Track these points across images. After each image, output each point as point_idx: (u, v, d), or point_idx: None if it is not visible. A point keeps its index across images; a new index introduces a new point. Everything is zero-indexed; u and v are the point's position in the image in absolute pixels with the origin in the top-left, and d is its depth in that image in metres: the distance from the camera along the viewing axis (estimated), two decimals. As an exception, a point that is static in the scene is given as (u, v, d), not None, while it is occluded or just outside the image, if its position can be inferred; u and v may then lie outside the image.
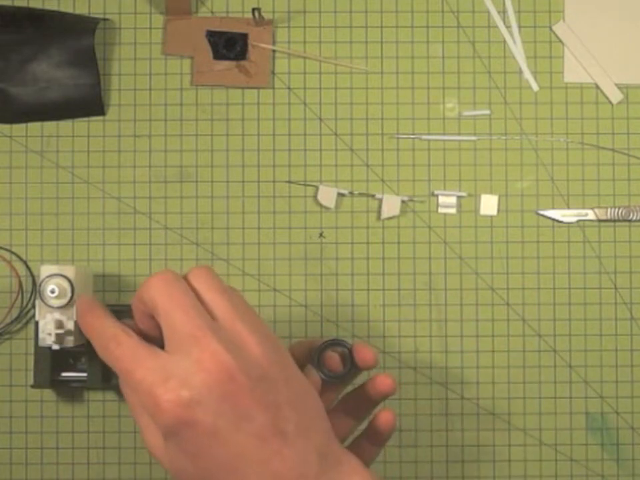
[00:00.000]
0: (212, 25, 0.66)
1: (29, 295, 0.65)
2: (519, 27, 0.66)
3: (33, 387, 0.63)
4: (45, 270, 0.59)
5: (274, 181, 0.66)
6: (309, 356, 0.53)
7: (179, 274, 0.48)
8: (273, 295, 0.65)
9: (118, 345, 0.47)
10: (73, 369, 0.63)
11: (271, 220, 0.65)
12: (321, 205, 0.65)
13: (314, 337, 0.65)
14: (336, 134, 0.66)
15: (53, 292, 0.58)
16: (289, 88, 0.66)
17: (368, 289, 0.65)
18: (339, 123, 0.66)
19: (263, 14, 0.65)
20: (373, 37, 0.66)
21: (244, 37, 0.65)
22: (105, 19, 0.65)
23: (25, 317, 0.65)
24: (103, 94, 0.65)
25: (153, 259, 0.65)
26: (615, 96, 0.66)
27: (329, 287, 0.65)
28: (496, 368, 0.65)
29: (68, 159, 0.65)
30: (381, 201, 0.65)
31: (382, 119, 0.66)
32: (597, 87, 0.66)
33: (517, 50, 0.66)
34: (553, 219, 0.65)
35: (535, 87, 0.66)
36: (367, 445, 0.54)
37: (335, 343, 0.54)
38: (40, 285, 0.58)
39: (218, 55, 0.65)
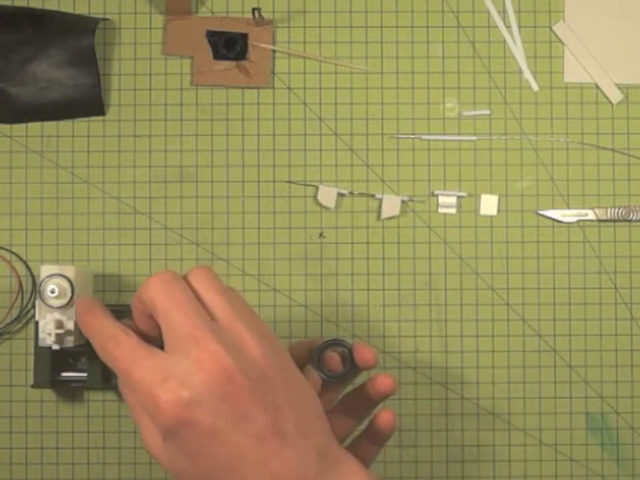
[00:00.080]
0: (212, 25, 0.66)
1: (29, 295, 0.65)
2: (519, 26, 0.66)
3: (33, 386, 0.63)
4: (45, 270, 0.59)
5: (274, 181, 0.66)
6: (309, 356, 0.53)
7: (178, 274, 0.48)
8: (273, 294, 0.65)
9: (117, 345, 0.47)
10: (73, 369, 0.63)
11: (271, 220, 0.65)
12: (320, 205, 0.65)
13: (314, 337, 0.65)
14: (336, 134, 0.66)
15: (53, 292, 0.58)
16: (289, 88, 0.66)
17: (368, 289, 0.65)
18: (338, 123, 0.66)
19: (263, 14, 0.65)
20: (372, 37, 0.66)
21: (244, 36, 0.65)
22: (105, 19, 0.65)
23: (25, 317, 0.65)
24: (103, 94, 0.65)
25: (153, 259, 0.65)
26: (615, 96, 0.66)
27: (329, 287, 0.65)
28: (496, 368, 0.65)
29: (68, 159, 0.65)
30: (380, 201, 0.65)
31: (382, 118, 0.66)
32: (597, 87, 0.66)
33: (517, 50, 0.66)
34: (553, 219, 0.65)
35: (535, 87, 0.66)
36: (367, 444, 0.54)
37: (334, 343, 0.54)
38: (40, 285, 0.58)
39: (218, 55, 0.65)
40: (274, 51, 0.66)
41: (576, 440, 0.65)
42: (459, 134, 0.66)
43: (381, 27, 0.66)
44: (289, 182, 0.66)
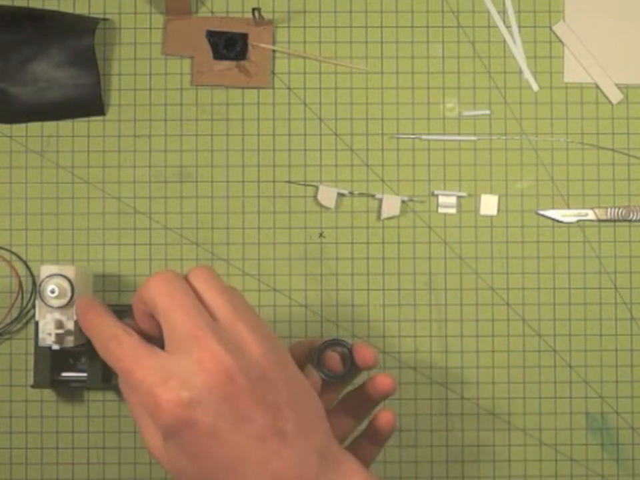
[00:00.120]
0: (212, 25, 0.66)
1: (29, 295, 0.65)
2: (519, 26, 0.66)
3: (33, 386, 0.63)
4: (45, 270, 0.59)
5: (274, 181, 0.66)
6: (309, 356, 0.53)
7: (179, 274, 0.48)
8: (273, 294, 0.65)
9: (118, 345, 0.47)
10: (73, 369, 0.63)
11: (271, 220, 0.65)
12: (320, 205, 0.65)
13: (314, 337, 0.65)
14: (336, 134, 0.66)
15: (53, 292, 0.58)
16: (289, 88, 0.66)
17: (368, 289, 0.65)
18: (338, 123, 0.66)
19: (263, 14, 0.65)
20: (372, 37, 0.66)
21: (244, 36, 0.65)
22: (105, 19, 0.65)
23: (25, 317, 0.65)
24: (103, 94, 0.65)
25: (153, 259, 0.65)
26: (615, 96, 0.66)
27: (329, 287, 0.65)
28: (496, 368, 0.65)
29: (68, 159, 0.65)
30: (380, 201, 0.65)
31: (382, 118, 0.66)
32: (597, 86, 0.66)
33: (517, 50, 0.66)
34: (553, 219, 0.65)
35: (535, 87, 0.66)
36: (367, 444, 0.54)
37: (334, 343, 0.53)
38: (40, 285, 0.58)
39: (218, 55, 0.65)
40: (274, 50, 0.66)
41: (576, 440, 0.65)
42: (459, 134, 0.66)
43: (381, 27, 0.66)
44: (289, 182, 0.66)
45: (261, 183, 0.66)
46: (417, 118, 0.66)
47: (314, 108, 0.66)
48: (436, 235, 0.65)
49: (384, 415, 0.53)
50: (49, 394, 0.65)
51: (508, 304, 0.65)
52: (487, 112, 0.66)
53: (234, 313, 0.47)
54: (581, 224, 0.65)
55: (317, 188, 0.65)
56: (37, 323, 0.59)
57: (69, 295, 0.58)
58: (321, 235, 0.65)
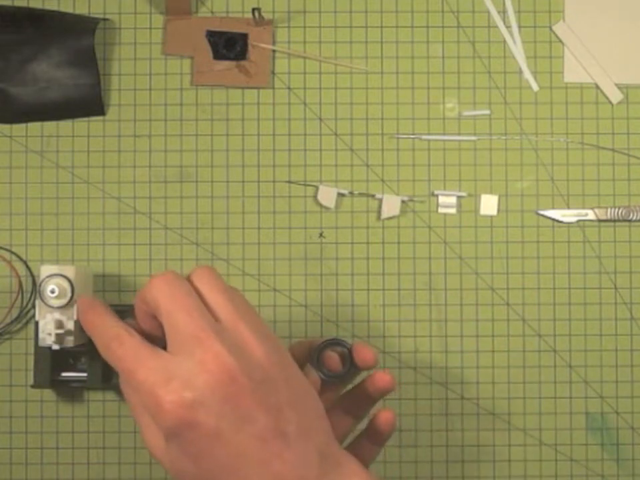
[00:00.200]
0: (212, 25, 0.66)
1: (28, 295, 0.65)
2: (519, 26, 0.66)
3: (33, 386, 0.63)
4: (45, 270, 0.59)
5: (274, 181, 0.66)
6: (309, 356, 0.53)
7: (181, 275, 0.48)
8: (273, 295, 0.65)
9: (120, 345, 0.47)
10: (73, 369, 0.63)
11: (271, 220, 0.65)
12: (320, 205, 0.65)
13: (314, 337, 0.65)
14: (336, 134, 0.66)
15: (53, 292, 0.58)
16: (289, 88, 0.66)
17: (368, 289, 0.65)
18: (338, 123, 0.66)
19: (263, 14, 0.65)
20: (372, 37, 0.66)
21: (244, 36, 0.65)
22: (105, 19, 0.65)
23: (25, 317, 0.65)
24: (103, 94, 0.65)
25: (153, 259, 0.65)
26: (615, 96, 0.66)
27: (329, 287, 0.65)
28: (496, 368, 0.65)
29: (68, 159, 0.65)
30: (380, 201, 0.65)
31: (382, 118, 0.66)
32: (597, 86, 0.66)
33: (517, 50, 0.66)
34: (553, 219, 0.65)
35: (535, 87, 0.66)
36: (367, 444, 0.54)
37: (334, 343, 0.53)
38: (40, 285, 0.58)
39: (218, 55, 0.65)
40: (274, 50, 0.66)
41: (576, 440, 0.65)
42: (459, 134, 0.66)
43: (381, 27, 0.66)
44: (289, 182, 0.66)
45: (261, 183, 0.66)
46: (417, 118, 0.66)
47: (314, 108, 0.66)
48: (436, 234, 0.65)
49: (384, 415, 0.53)
50: (48, 394, 0.65)
51: (508, 304, 0.65)
52: (487, 112, 0.66)
53: (236, 313, 0.47)
54: (581, 224, 0.65)
55: (316, 188, 0.65)
56: (36, 323, 0.59)
57: (69, 295, 0.58)
58: (321, 235, 0.65)
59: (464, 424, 0.65)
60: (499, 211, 0.66)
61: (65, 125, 0.65)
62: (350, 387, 0.55)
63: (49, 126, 0.65)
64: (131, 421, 0.64)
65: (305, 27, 0.66)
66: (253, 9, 0.63)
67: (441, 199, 0.65)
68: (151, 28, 0.66)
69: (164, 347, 0.47)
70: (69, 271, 0.58)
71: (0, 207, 0.65)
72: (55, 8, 0.66)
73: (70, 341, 0.59)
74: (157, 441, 0.46)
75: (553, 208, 0.66)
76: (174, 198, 0.65)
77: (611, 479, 0.65)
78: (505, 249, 0.65)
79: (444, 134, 0.66)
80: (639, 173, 0.66)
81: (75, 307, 0.57)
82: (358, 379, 0.55)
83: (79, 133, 0.65)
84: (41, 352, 0.61)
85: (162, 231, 0.65)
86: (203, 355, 0.44)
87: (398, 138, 0.66)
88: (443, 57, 0.66)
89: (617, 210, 0.65)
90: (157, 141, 0.66)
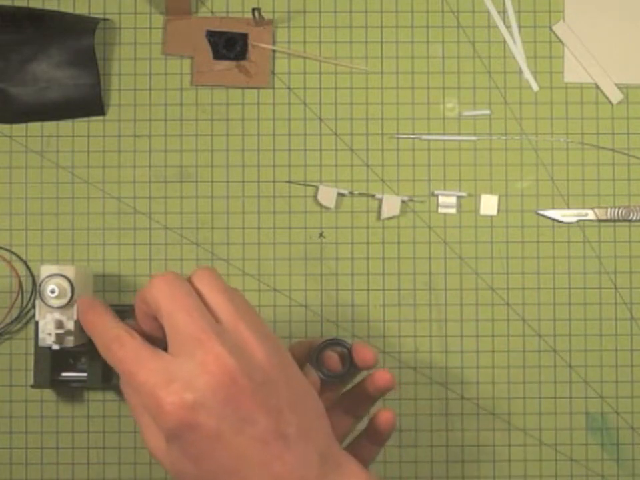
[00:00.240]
0: (212, 25, 0.66)
1: (29, 295, 0.65)
2: (519, 26, 0.66)
3: (33, 386, 0.63)
4: (45, 270, 0.59)
5: (274, 181, 0.66)
6: (309, 356, 0.53)
7: (181, 275, 0.48)
8: (273, 294, 0.65)
9: (121, 346, 0.47)
10: (73, 369, 0.63)
11: (271, 220, 0.65)
12: (320, 205, 0.65)
13: (314, 337, 0.65)
14: (336, 134, 0.66)
15: (53, 292, 0.58)
16: (289, 88, 0.66)
17: (368, 289, 0.65)
18: (338, 123, 0.66)
19: (263, 14, 0.65)
20: (372, 37, 0.66)
21: (244, 36, 0.65)
22: (105, 19, 0.65)
23: (25, 317, 0.65)
24: (103, 94, 0.65)
25: (153, 259, 0.65)
26: (615, 96, 0.66)
27: (329, 287, 0.65)
28: (496, 368, 0.65)
29: (68, 159, 0.65)
30: (380, 200, 0.65)
31: (382, 118, 0.66)
32: (597, 86, 0.66)
33: (517, 50, 0.66)
34: (553, 219, 0.65)
35: (535, 87, 0.66)
36: (367, 444, 0.54)
37: (334, 343, 0.54)
38: (40, 285, 0.58)
39: (218, 55, 0.65)
40: (274, 50, 0.66)
41: (576, 440, 0.65)
42: (459, 134, 0.66)
43: (381, 27, 0.66)
44: (289, 182, 0.66)
45: (261, 183, 0.66)
46: (417, 118, 0.66)
47: (314, 108, 0.66)
48: (436, 235, 0.65)
49: (384, 415, 0.53)
50: (48, 394, 0.65)
51: (508, 304, 0.65)
52: (487, 112, 0.66)
53: (236, 314, 0.47)
54: (581, 224, 0.65)
55: (316, 188, 0.65)
56: (36, 323, 0.59)
57: (69, 295, 0.58)
58: (321, 235, 0.65)
59: (464, 424, 0.65)
60: (499, 211, 0.66)
61: (65, 125, 0.65)
62: (350, 386, 0.55)
63: (49, 126, 0.65)
64: (131, 421, 0.64)
65: (304, 27, 0.66)
66: (253, 9, 0.63)
67: (441, 199, 0.65)
68: (151, 28, 0.66)
69: (164, 348, 0.47)
70: (69, 270, 0.58)
71: (0, 207, 0.65)
72: (55, 8, 0.66)
73: (70, 341, 0.59)
74: (157, 442, 0.46)
75: (553, 208, 0.66)
76: (174, 198, 0.65)
77: (611, 479, 0.65)
78: (505, 249, 0.65)
79: (444, 134, 0.66)
80: (638, 172, 0.66)
81: (75, 307, 0.57)
82: (358, 379, 0.55)
83: (78, 133, 0.65)
84: (41, 352, 0.61)
85: (162, 230, 0.65)
86: (204, 357, 0.44)
87: (398, 138, 0.66)
88: (443, 57, 0.66)
89: (616, 210, 0.65)
90: (156, 141, 0.66)
